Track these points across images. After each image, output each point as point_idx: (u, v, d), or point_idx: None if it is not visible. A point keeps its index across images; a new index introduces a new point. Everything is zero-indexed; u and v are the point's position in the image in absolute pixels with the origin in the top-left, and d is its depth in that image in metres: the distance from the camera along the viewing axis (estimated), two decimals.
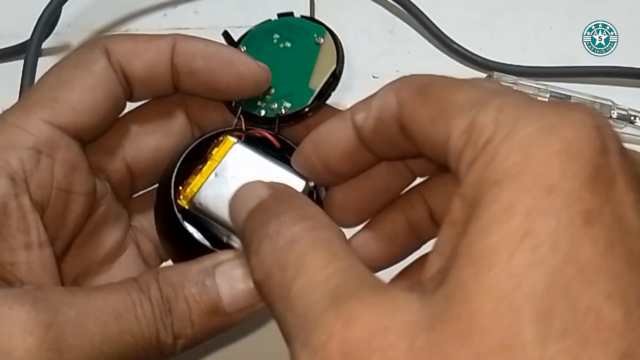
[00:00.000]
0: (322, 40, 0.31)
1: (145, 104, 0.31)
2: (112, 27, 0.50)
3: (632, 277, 0.17)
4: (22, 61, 0.45)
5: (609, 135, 0.18)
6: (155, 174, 0.31)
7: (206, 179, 0.28)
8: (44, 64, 0.46)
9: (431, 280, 0.19)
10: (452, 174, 0.20)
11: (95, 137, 0.28)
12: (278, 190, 0.24)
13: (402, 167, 0.27)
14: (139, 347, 0.24)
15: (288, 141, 0.30)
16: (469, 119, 0.19)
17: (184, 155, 0.29)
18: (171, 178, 0.29)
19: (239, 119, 0.30)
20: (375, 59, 0.49)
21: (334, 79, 0.30)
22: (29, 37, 0.45)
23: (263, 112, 0.30)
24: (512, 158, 0.18)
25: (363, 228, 0.28)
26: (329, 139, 0.26)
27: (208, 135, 0.30)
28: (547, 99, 0.45)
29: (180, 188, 0.29)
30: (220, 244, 0.29)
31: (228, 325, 0.25)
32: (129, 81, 0.28)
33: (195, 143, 0.30)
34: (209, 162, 0.29)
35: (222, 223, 0.28)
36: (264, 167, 0.28)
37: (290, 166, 0.28)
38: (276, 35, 0.32)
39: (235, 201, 0.24)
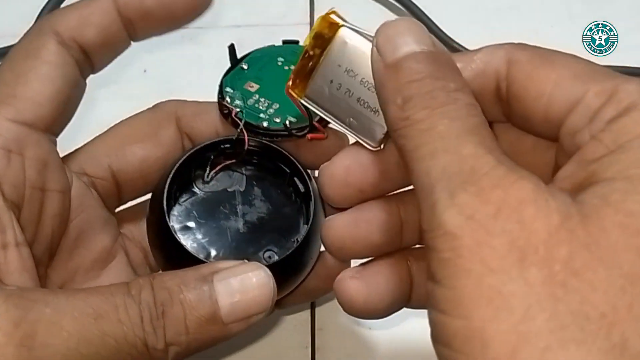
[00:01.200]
0: None
1: (135, 114, 0.30)
2: None
3: None
4: None
5: None
6: (144, 184, 0.30)
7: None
8: None
9: (570, 181, 0.20)
10: (564, 138, 0.22)
11: (63, 126, 0.28)
12: (439, 49, 0.23)
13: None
14: (123, 351, 0.23)
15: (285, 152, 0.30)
16: (610, 84, 0.21)
17: (176, 166, 0.29)
18: (164, 189, 0.29)
19: (241, 130, 0.30)
20: None
21: None
22: None
23: (266, 124, 0.30)
24: None
25: (348, 210, 0.27)
26: (357, 164, 0.26)
27: (201, 145, 0.30)
28: None
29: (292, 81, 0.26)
30: (211, 257, 0.29)
31: (224, 336, 0.25)
32: (86, 53, 0.27)
33: (189, 154, 0.29)
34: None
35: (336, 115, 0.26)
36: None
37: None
38: (280, 59, 0.32)
39: (387, 34, 0.22)
